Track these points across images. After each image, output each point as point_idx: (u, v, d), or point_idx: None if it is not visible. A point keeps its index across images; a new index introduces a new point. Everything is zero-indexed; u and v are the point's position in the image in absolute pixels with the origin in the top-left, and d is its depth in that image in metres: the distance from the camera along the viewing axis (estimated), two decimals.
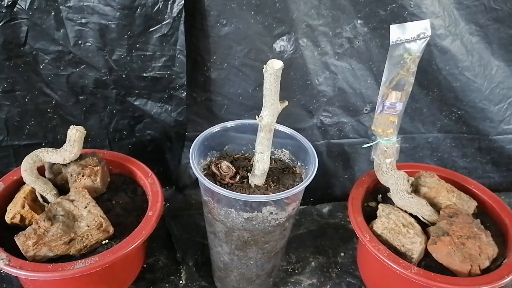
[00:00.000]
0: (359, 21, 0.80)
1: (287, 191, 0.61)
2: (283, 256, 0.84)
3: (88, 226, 0.63)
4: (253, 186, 0.67)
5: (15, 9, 0.72)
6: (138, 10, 0.74)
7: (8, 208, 0.67)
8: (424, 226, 0.69)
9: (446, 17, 0.79)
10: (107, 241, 0.65)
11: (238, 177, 0.69)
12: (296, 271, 0.85)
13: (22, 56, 0.78)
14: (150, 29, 0.77)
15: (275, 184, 0.68)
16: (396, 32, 0.61)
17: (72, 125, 0.68)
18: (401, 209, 0.71)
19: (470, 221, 0.67)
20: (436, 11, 0.78)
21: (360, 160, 0.98)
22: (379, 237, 0.68)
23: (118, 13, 0.74)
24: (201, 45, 0.81)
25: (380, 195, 0.78)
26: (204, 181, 0.62)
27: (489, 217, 0.75)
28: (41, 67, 0.79)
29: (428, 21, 0.62)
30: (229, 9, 0.77)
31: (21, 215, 0.66)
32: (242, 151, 0.77)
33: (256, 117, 0.62)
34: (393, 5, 0.77)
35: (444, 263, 0.64)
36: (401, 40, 0.61)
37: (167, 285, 0.80)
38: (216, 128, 0.73)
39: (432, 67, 0.83)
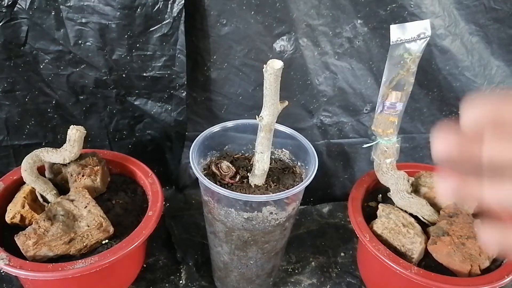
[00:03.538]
0: (359, 21, 0.80)
1: (287, 191, 0.61)
2: (283, 256, 0.84)
3: (88, 226, 0.63)
4: (253, 186, 0.67)
5: (15, 9, 0.72)
6: (138, 10, 0.74)
7: (8, 208, 0.67)
8: (424, 226, 0.69)
9: (446, 17, 0.79)
10: (107, 241, 0.65)
11: (238, 177, 0.69)
12: (296, 271, 0.85)
13: (22, 56, 0.77)
14: (150, 29, 0.77)
15: (275, 184, 0.68)
16: (396, 32, 0.61)
17: (72, 125, 0.68)
18: (401, 209, 0.71)
19: (470, 221, 0.67)
20: (436, 11, 0.78)
21: (360, 160, 0.98)
22: (379, 237, 0.68)
23: (118, 13, 0.74)
24: (201, 45, 0.81)
25: (380, 195, 0.78)
26: (204, 181, 0.62)
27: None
28: (41, 67, 0.79)
29: (428, 21, 0.62)
30: (229, 9, 0.77)
31: (21, 215, 0.66)
32: (242, 151, 0.77)
33: (256, 117, 0.62)
34: (393, 5, 0.77)
35: (444, 263, 0.64)
36: (401, 40, 0.61)
37: (167, 285, 0.80)
38: (216, 128, 0.73)
39: (432, 67, 0.83)
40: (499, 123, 0.25)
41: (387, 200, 0.75)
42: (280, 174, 0.71)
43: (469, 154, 0.26)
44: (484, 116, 0.26)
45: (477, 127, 0.26)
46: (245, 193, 0.65)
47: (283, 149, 0.75)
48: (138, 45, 0.78)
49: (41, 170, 0.71)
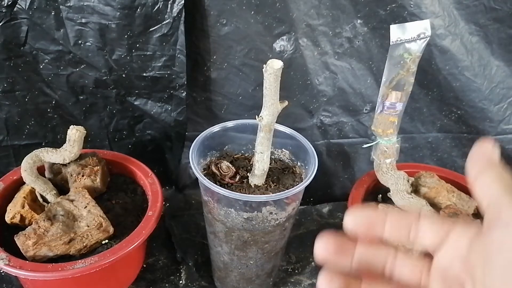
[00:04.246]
0: (359, 21, 0.80)
1: (287, 191, 0.61)
2: (283, 256, 0.84)
3: (88, 226, 0.63)
4: (253, 186, 0.67)
5: (15, 9, 0.72)
6: (138, 10, 0.74)
7: (8, 208, 0.67)
8: None
9: (446, 17, 0.79)
10: (107, 241, 0.66)
11: (238, 177, 0.69)
12: (296, 271, 0.85)
13: (22, 56, 0.78)
14: (150, 29, 0.77)
15: (275, 184, 0.68)
16: (396, 32, 0.61)
17: (72, 125, 0.68)
18: (401, 209, 0.71)
19: (470, 221, 0.67)
20: (436, 11, 0.78)
21: (360, 160, 0.98)
22: None
23: (118, 13, 0.74)
24: (201, 45, 0.81)
25: (380, 195, 0.78)
26: (204, 181, 0.62)
27: None
28: (41, 67, 0.79)
29: (428, 21, 0.62)
30: (229, 9, 0.77)
31: (21, 215, 0.66)
32: (242, 151, 0.77)
33: (256, 117, 0.62)
34: (393, 5, 0.77)
35: None
36: (401, 40, 0.61)
37: (167, 285, 0.80)
38: (216, 128, 0.73)
39: (432, 67, 0.83)
40: (371, 230, 0.31)
41: (387, 200, 0.75)
42: (280, 174, 0.71)
43: (345, 255, 0.31)
44: (359, 224, 0.31)
45: (354, 231, 0.31)
46: (245, 193, 0.65)
47: (283, 149, 0.75)
48: (138, 45, 0.78)
49: (41, 170, 0.71)
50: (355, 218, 0.31)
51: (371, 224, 0.31)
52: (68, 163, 0.71)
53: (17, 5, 0.72)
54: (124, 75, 0.82)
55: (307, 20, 0.79)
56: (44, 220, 0.62)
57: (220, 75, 0.85)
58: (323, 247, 0.31)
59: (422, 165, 0.87)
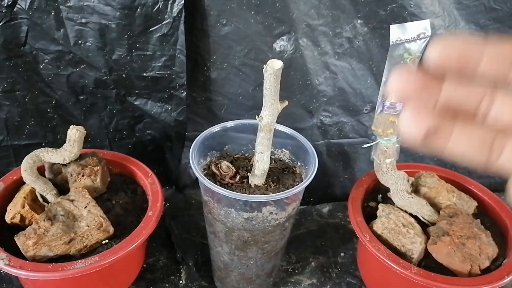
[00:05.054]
0: (359, 21, 0.80)
1: (287, 191, 0.61)
2: (283, 256, 0.84)
3: (88, 226, 0.63)
4: (253, 186, 0.67)
5: (15, 9, 0.72)
6: (138, 10, 0.74)
7: (8, 208, 0.67)
8: (424, 226, 0.69)
9: (446, 17, 0.79)
10: (107, 241, 0.65)
11: (238, 177, 0.69)
12: (296, 271, 0.85)
13: (22, 56, 0.78)
14: (150, 29, 0.77)
15: (275, 184, 0.68)
16: (396, 32, 0.61)
17: (72, 125, 0.68)
18: (401, 209, 0.71)
19: (470, 221, 0.67)
20: (436, 11, 0.78)
21: (360, 160, 0.98)
22: (379, 237, 0.68)
23: (118, 13, 0.74)
24: (201, 45, 0.81)
25: (380, 195, 0.78)
26: (204, 181, 0.62)
27: (489, 217, 0.75)
28: (41, 67, 0.79)
29: (428, 21, 0.62)
30: (229, 9, 0.77)
31: (21, 215, 0.66)
32: (242, 151, 0.77)
33: (256, 117, 0.62)
34: (393, 5, 0.77)
35: (444, 263, 0.64)
36: (401, 40, 0.61)
37: (167, 285, 0.80)
38: (216, 128, 0.73)
39: None
40: (464, 63, 0.24)
41: (387, 200, 0.75)
42: (280, 174, 0.71)
43: (430, 92, 0.25)
44: (449, 55, 0.24)
45: (440, 65, 0.25)
46: (245, 193, 0.65)
47: (283, 149, 0.75)
48: (138, 45, 0.78)
49: (41, 170, 0.71)
50: (444, 48, 0.24)
51: (464, 55, 0.24)
52: (68, 163, 0.71)
53: (17, 5, 0.72)
54: (124, 75, 0.82)
55: (307, 20, 0.79)
56: (44, 220, 0.62)
57: (220, 75, 0.85)
58: (403, 80, 0.25)
59: (422, 165, 0.87)
